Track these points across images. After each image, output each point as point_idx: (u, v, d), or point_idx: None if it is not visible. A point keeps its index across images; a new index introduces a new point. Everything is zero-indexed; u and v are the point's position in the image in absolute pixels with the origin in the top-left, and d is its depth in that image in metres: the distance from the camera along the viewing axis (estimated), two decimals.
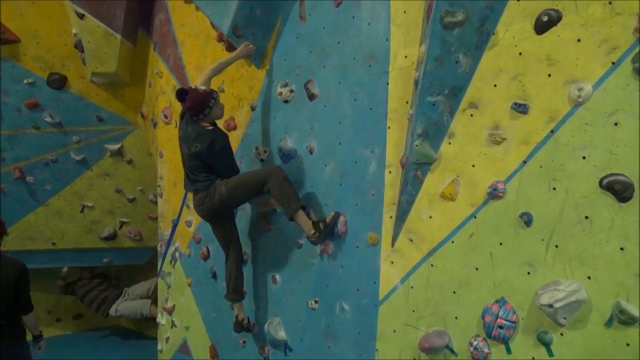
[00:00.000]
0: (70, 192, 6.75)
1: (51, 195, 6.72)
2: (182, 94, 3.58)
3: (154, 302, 6.54)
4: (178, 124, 3.90)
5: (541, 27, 2.31)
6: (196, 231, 4.99)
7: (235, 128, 4.43)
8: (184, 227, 5.17)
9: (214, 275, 4.64)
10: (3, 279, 3.83)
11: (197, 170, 3.66)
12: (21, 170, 6.48)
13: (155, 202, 6.36)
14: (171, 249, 5.42)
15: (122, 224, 7.00)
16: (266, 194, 3.59)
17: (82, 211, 6.84)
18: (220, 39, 4.34)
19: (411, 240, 2.87)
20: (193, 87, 3.64)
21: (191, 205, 5.07)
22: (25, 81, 6.18)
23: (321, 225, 3.37)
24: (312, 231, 3.37)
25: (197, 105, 3.57)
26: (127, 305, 7.11)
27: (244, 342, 4.31)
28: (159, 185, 5.70)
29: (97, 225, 6.93)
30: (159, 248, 5.73)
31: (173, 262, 5.32)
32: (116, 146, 6.62)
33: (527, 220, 2.34)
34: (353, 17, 3.33)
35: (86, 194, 6.79)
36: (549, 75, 2.28)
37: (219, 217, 3.82)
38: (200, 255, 4.84)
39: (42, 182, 6.63)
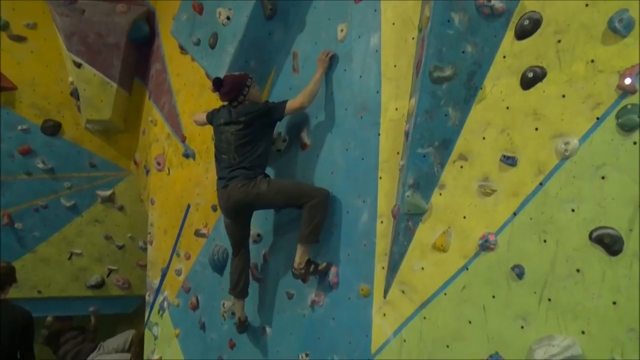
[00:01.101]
0: (59, 239, 6.67)
1: (39, 242, 6.64)
2: (218, 83, 3.64)
3: (135, 356, 6.32)
4: (213, 122, 3.81)
5: (527, 83, 2.38)
6: (186, 280, 4.91)
7: None
8: (173, 276, 5.09)
9: (203, 327, 4.53)
10: (8, 329, 3.67)
11: (243, 155, 3.52)
12: (10, 217, 6.42)
13: (145, 250, 6.28)
14: (159, 299, 5.32)
15: (110, 271, 6.88)
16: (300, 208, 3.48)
17: (70, 258, 6.74)
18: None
19: (403, 292, 2.84)
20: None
21: (181, 254, 5.02)
22: (19, 128, 6.22)
23: (313, 267, 3.35)
24: (302, 266, 3.34)
25: (236, 86, 3.60)
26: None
27: None
28: (149, 233, 5.65)
29: (84, 273, 6.81)
30: (147, 297, 5.62)
31: (161, 312, 5.20)
32: (107, 192, 6.60)
33: (519, 272, 2.33)
34: (345, 70, 3.42)
35: (75, 240, 6.71)
36: (536, 129, 2.32)
37: (242, 212, 3.68)
38: (189, 306, 4.74)
39: (31, 228, 6.56)
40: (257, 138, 3.55)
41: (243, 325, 3.95)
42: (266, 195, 3.47)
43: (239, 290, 3.84)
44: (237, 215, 3.70)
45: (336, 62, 3.46)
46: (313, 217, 3.32)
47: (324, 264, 3.35)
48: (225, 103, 3.76)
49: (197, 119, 4.25)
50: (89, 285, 6.80)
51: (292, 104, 3.49)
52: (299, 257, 3.35)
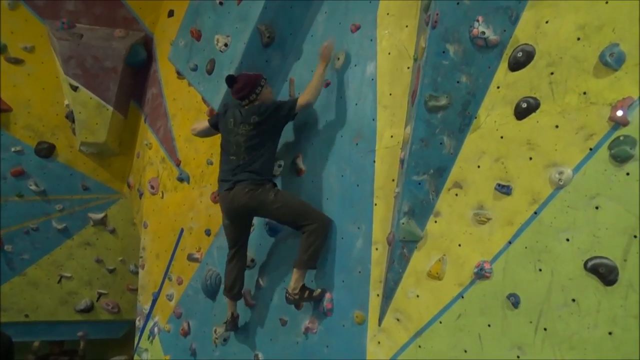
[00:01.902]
0: (48, 262, 6.58)
1: (29, 264, 6.54)
2: (231, 79, 3.60)
3: None
4: (220, 125, 3.75)
5: (521, 113, 2.42)
6: (177, 305, 4.85)
7: None
8: (164, 300, 5.03)
9: (194, 353, 4.46)
10: None
11: (253, 156, 3.45)
12: (0, 239, 6.34)
13: (136, 273, 6.21)
14: (150, 324, 5.23)
15: (100, 295, 6.78)
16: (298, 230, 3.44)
17: (59, 282, 6.64)
18: (211, 114, 4.44)
19: (398, 320, 2.82)
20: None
21: (173, 279, 4.97)
22: (13, 149, 6.19)
23: (307, 293, 3.31)
24: (297, 291, 3.30)
25: (249, 85, 3.55)
26: None
27: None
28: (141, 256, 5.60)
29: (73, 296, 6.70)
30: (137, 322, 5.53)
31: (151, 338, 5.11)
32: (100, 215, 6.55)
33: (514, 301, 2.33)
34: (341, 97, 3.46)
35: (65, 263, 6.62)
36: (530, 159, 2.35)
37: (244, 217, 3.63)
38: (180, 332, 4.67)
39: (21, 251, 6.48)
40: (266, 139, 3.50)
41: (234, 322, 3.88)
42: (271, 205, 3.41)
43: (234, 293, 3.79)
44: (239, 219, 3.64)
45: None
46: (312, 243, 3.29)
47: (319, 290, 3.32)
48: (230, 105, 3.75)
49: (197, 127, 4.08)
50: (78, 309, 6.68)
51: (302, 100, 3.46)
52: (294, 281, 3.32)
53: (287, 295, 3.36)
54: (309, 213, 3.38)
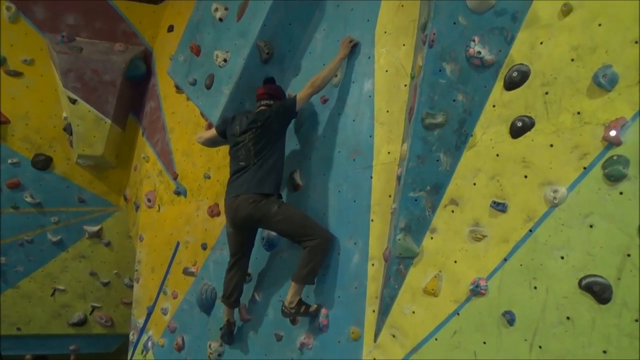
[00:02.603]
0: (42, 275, 6.54)
1: (22, 277, 6.49)
2: (270, 80, 3.78)
3: None
4: (227, 132, 3.77)
5: (516, 132, 2.45)
6: (172, 320, 4.82)
7: (219, 214, 4.45)
8: (159, 314, 5.00)
9: None
10: None
11: (262, 158, 3.46)
12: None
13: (131, 287, 6.18)
14: (144, 338, 5.20)
15: (94, 309, 6.73)
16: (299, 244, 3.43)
17: (52, 294, 6.59)
18: (210, 128, 4.46)
19: (394, 336, 2.82)
20: None
21: (168, 292, 4.95)
22: (9, 161, 6.19)
23: (303, 308, 3.30)
24: (294, 305, 3.29)
25: (277, 92, 3.70)
26: None
27: None
28: (136, 270, 5.58)
29: (66, 310, 6.65)
30: (130, 336, 5.49)
31: (145, 352, 5.07)
32: (95, 228, 6.53)
33: (509, 319, 2.34)
34: (339, 114, 3.49)
35: (59, 276, 6.58)
36: (525, 177, 2.38)
37: (247, 228, 3.63)
38: (174, 346, 4.64)
39: (15, 263, 6.43)
40: (273, 140, 3.51)
41: (230, 329, 3.87)
42: (273, 217, 3.40)
43: (232, 301, 3.78)
44: (242, 229, 3.64)
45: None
46: (312, 258, 3.28)
47: (315, 306, 3.32)
48: (237, 114, 3.79)
49: (203, 135, 4.10)
50: (71, 322, 6.63)
51: (302, 93, 3.50)
52: (291, 295, 3.31)
53: (284, 308, 3.35)
54: (311, 228, 3.36)
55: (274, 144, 3.52)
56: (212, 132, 3.97)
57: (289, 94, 3.87)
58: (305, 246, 3.31)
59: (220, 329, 3.95)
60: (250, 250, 3.80)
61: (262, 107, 3.64)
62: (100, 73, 5.78)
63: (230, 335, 3.94)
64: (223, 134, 3.83)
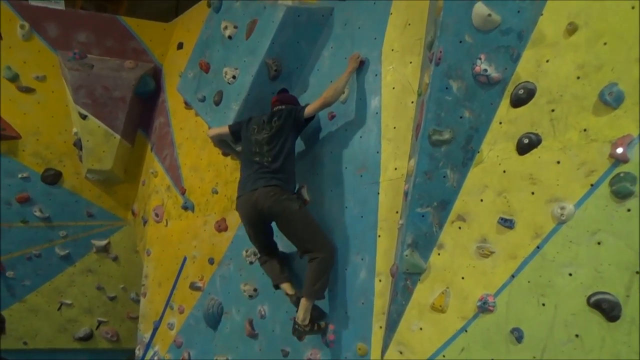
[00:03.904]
0: (49, 289, 6.54)
1: (29, 291, 6.50)
2: (284, 89, 3.93)
3: None
4: (242, 132, 3.79)
5: (523, 149, 2.47)
6: (178, 335, 4.82)
7: (226, 229, 4.47)
8: (165, 329, 5.00)
9: None
10: None
11: (276, 157, 3.46)
12: (2, 265, 6.34)
13: (137, 301, 6.18)
14: (150, 353, 5.18)
15: (100, 323, 6.72)
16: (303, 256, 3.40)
17: (59, 309, 6.60)
18: (216, 146, 4.49)
19: (401, 353, 2.81)
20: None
21: (175, 307, 4.95)
22: (20, 176, 6.25)
23: (316, 327, 3.28)
24: (307, 323, 3.24)
25: (290, 99, 3.78)
26: None
27: None
28: (143, 284, 5.59)
29: (73, 324, 6.64)
30: (137, 351, 5.48)
31: None
32: (103, 242, 6.55)
33: (518, 336, 2.33)
34: (346, 130, 3.52)
35: (66, 290, 6.59)
36: (533, 193, 2.39)
37: (264, 222, 3.54)
38: None
39: (22, 277, 6.45)
40: (285, 140, 3.53)
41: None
42: (294, 216, 3.35)
43: (286, 275, 3.63)
44: (260, 224, 3.56)
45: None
46: (322, 273, 3.25)
47: (324, 323, 3.31)
48: (255, 116, 3.82)
49: (215, 130, 4.11)
50: (77, 337, 6.62)
51: (312, 105, 3.53)
52: (303, 312, 3.25)
53: (297, 327, 3.28)
54: (322, 238, 3.35)
55: (288, 145, 3.54)
56: (224, 128, 3.98)
57: None
58: (312, 258, 3.29)
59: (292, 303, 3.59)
60: (273, 239, 3.70)
61: (278, 108, 3.70)
62: (111, 89, 5.85)
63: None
64: (235, 134, 3.86)
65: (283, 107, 3.70)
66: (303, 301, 3.29)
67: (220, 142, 4.11)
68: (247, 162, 3.67)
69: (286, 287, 3.59)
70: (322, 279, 3.25)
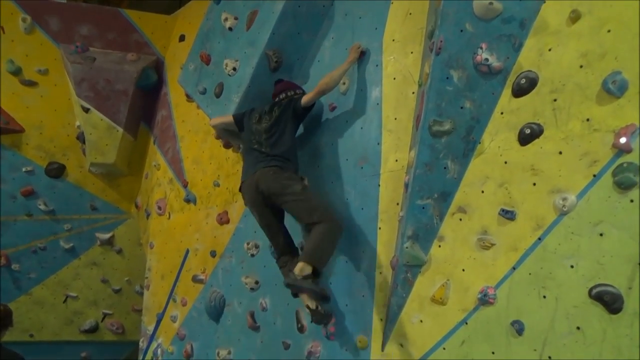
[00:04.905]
0: (55, 281, 6.59)
1: (35, 284, 6.55)
2: (278, 80, 3.86)
3: None
4: (244, 122, 3.79)
5: (524, 139, 2.43)
6: (181, 327, 4.83)
7: (228, 222, 4.46)
8: (168, 322, 5.01)
9: None
10: None
11: (276, 145, 3.46)
12: (7, 258, 6.38)
13: (142, 294, 6.20)
14: (153, 345, 5.21)
15: (105, 315, 6.77)
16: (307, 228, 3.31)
17: (65, 301, 6.64)
18: (219, 136, 4.49)
19: (401, 345, 2.79)
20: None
21: (178, 300, 4.96)
22: (23, 169, 6.27)
23: (314, 281, 3.10)
24: (305, 274, 3.05)
25: (290, 87, 3.75)
26: None
27: None
28: (146, 277, 5.61)
29: (78, 316, 6.68)
30: (140, 343, 5.50)
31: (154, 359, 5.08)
32: (107, 235, 6.58)
33: (518, 328, 2.30)
34: (346, 122, 3.49)
35: (71, 283, 6.63)
36: (534, 184, 2.35)
37: (268, 202, 3.42)
38: (183, 353, 4.64)
39: (28, 270, 6.49)
40: (286, 128, 3.52)
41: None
42: (298, 196, 3.27)
43: (291, 257, 3.48)
44: (262, 205, 3.46)
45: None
46: (325, 238, 3.09)
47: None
48: (257, 106, 3.82)
49: (218, 119, 4.09)
50: (83, 329, 6.66)
51: (309, 94, 3.51)
52: (300, 269, 3.06)
53: (290, 277, 3.07)
54: (329, 213, 3.23)
55: (287, 134, 3.53)
56: (228, 117, 3.96)
57: None
58: (315, 228, 3.14)
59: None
60: (283, 223, 3.58)
61: (279, 98, 3.70)
62: (113, 82, 5.85)
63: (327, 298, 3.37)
64: (239, 122, 3.85)
65: (284, 95, 3.69)
66: (300, 264, 3.07)
67: (222, 131, 4.10)
68: (248, 150, 3.69)
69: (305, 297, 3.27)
70: (323, 245, 3.10)
